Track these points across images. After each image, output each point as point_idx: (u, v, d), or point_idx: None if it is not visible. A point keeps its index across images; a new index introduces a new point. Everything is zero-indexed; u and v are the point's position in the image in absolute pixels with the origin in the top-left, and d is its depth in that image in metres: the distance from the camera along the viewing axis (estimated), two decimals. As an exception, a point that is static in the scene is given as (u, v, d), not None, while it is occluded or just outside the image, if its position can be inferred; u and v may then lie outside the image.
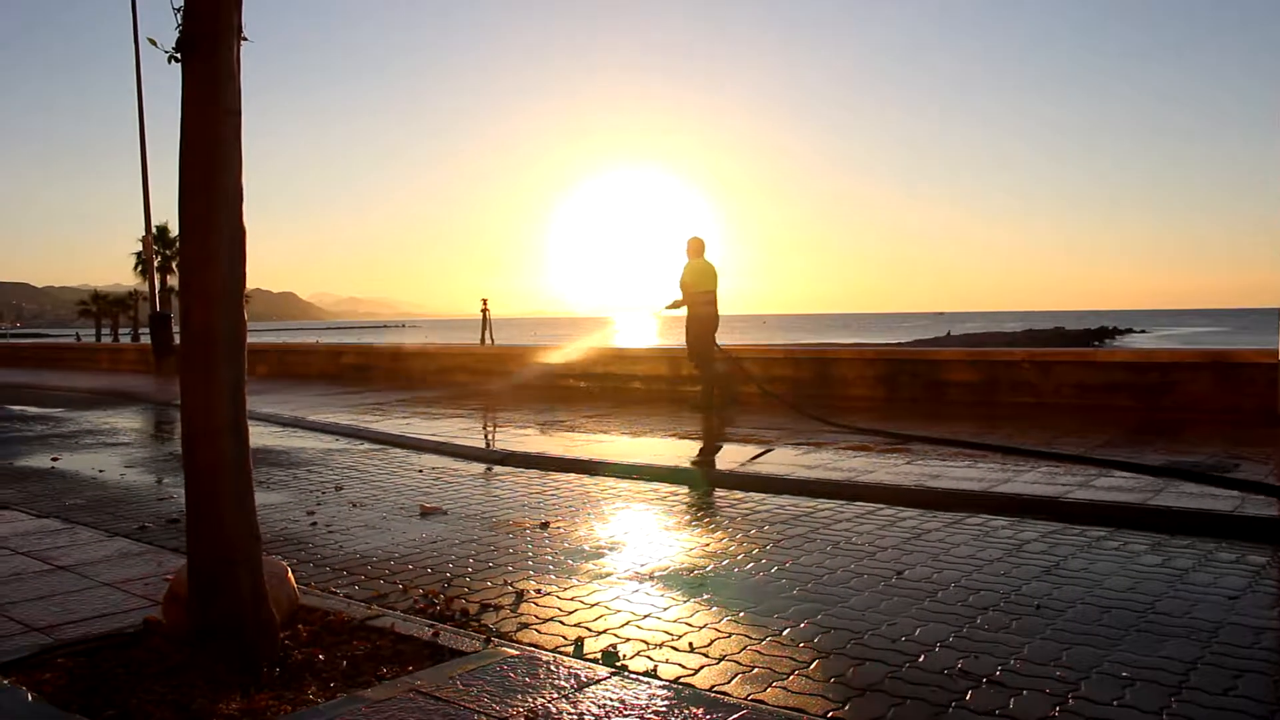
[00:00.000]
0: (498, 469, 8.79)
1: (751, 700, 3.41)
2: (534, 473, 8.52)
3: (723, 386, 13.04)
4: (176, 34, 3.77)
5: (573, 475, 8.34)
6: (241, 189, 3.78)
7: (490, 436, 10.79)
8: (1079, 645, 3.96)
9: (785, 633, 4.17)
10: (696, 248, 12.90)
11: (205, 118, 3.71)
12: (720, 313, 12.89)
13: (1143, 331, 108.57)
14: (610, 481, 7.99)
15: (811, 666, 3.78)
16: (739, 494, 7.27)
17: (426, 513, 6.81)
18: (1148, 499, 6.37)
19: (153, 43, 3.87)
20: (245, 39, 3.87)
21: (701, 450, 9.20)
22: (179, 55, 3.76)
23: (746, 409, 12.56)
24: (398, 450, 10.09)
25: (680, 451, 9.10)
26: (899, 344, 38.26)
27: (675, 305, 12.97)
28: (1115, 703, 3.38)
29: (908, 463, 8.02)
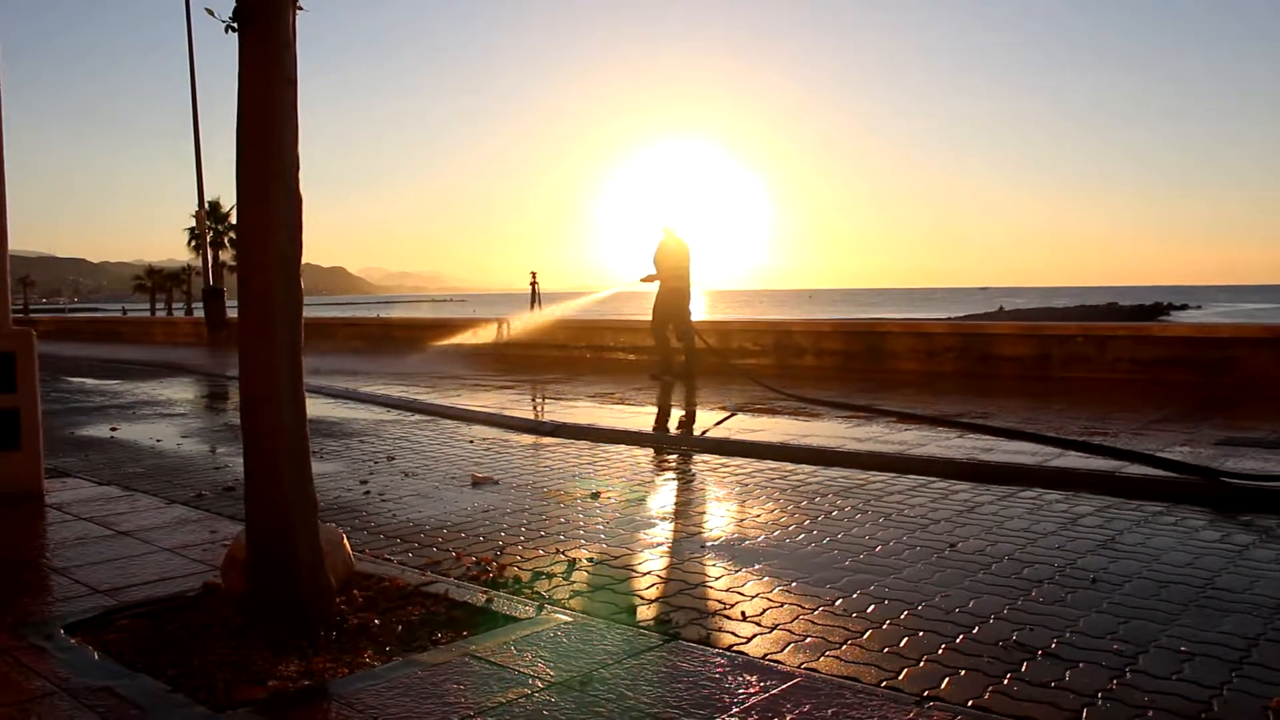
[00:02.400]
0: (548, 440, 8.83)
1: (805, 669, 3.41)
2: (584, 444, 8.55)
3: (669, 359, 13.44)
4: (233, 3, 3.79)
5: (622, 446, 8.36)
6: (298, 158, 3.80)
7: (540, 408, 10.85)
8: (1136, 619, 3.91)
9: (838, 603, 4.16)
10: (669, 229, 13.40)
11: (262, 87, 3.73)
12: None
13: (1198, 307, 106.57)
14: (661, 452, 8.00)
15: (865, 636, 3.77)
16: (790, 466, 7.25)
17: (478, 482, 6.86)
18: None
19: (210, 13, 3.90)
20: (300, 8, 3.89)
21: (751, 423, 9.18)
22: (236, 25, 3.78)
23: (804, 381, 12.52)
24: (448, 421, 10.16)
25: (730, 424, 9.10)
26: (950, 318, 37.96)
27: (649, 279, 13.48)
28: (1174, 677, 3.34)
29: (960, 436, 7.96)
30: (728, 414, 9.78)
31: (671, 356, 13.50)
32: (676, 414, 10.00)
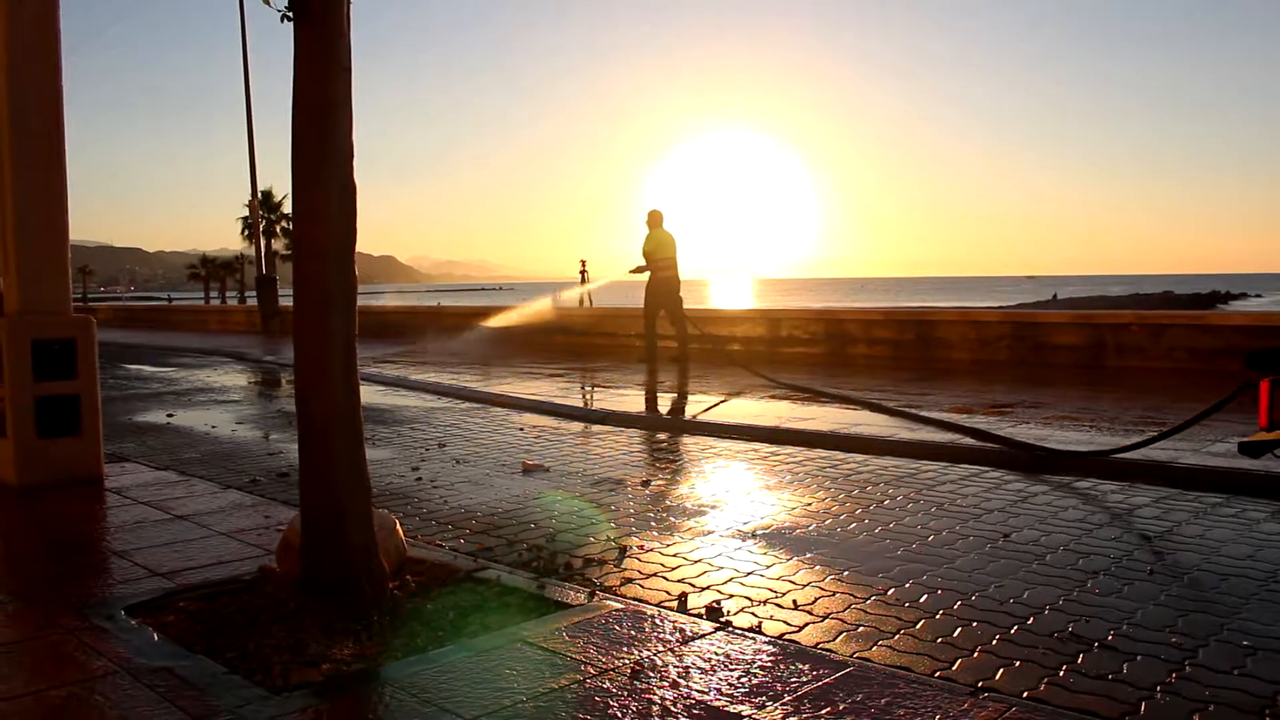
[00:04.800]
0: (597, 428, 8.84)
1: (858, 658, 3.39)
2: (633, 432, 8.56)
3: (653, 346, 14.23)
4: (289, -7, 3.82)
5: (672, 434, 8.35)
6: (352, 146, 3.83)
7: (589, 396, 10.87)
8: (1196, 612, 3.85)
9: (890, 592, 4.13)
10: (656, 219, 14.15)
11: (317, 76, 3.76)
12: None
13: (1258, 295, 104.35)
14: (710, 440, 7.98)
15: (918, 626, 3.74)
16: (840, 455, 7.21)
17: (528, 470, 6.89)
18: (1268, 466, 6.15)
19: (266, 2, 3.93)
20: (355, -3, 3.91)
21: (801, 411, 9.13)
22: (291, 14, 3.81)
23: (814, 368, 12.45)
24: (498, 409, 10.21)
25: (779, 412, 9.05)
26: (1002, 307, 37.53)
27: (639, 270, 14.30)
28: (1236, 671, 3.28)
29: (1013, 426, 7.86)
30: (778, 402, 9.74)
31: (656, 344, 14.25)
32: (726, 402, 9.97)
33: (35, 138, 6.25)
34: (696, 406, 9.67)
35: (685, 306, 14.32)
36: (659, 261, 13.98)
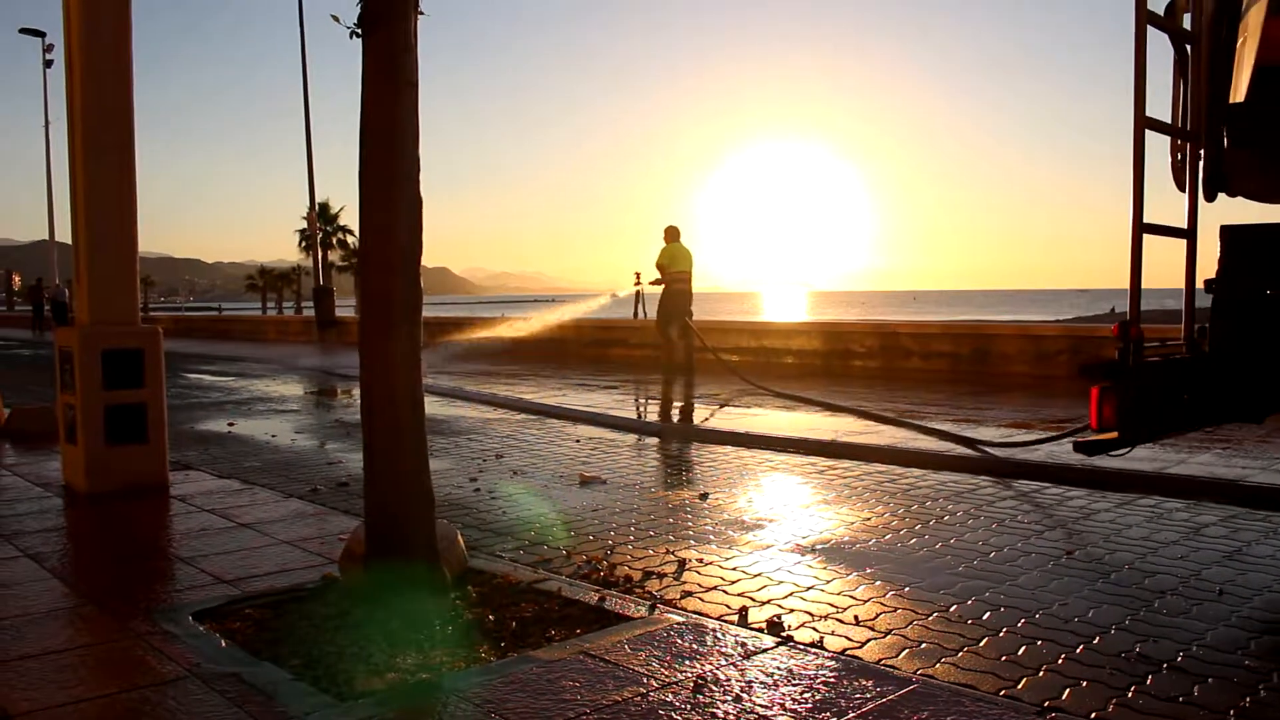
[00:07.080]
0: (653, 440, 8.85)
1: (921, 675, 3.36)
2: (690, 444, 8.56)
3: (672, 356, 14.87)
4: (357, 9, 3.89)
5: (729, 447, 8.34)
6: (419, 160, 3.88)
7: (644, 408, 10.88)
8: (1268, 634, 3.77)
9: (953, 609, 4.09)
10: (672, 234, 14.81)
11: (385, 91, 3.82)
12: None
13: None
14: (767, 454, 7.96)
15: (982, 644, 3.70)
16: (898, 469, 7.16)
17: (586, 481, 6.91)
18: (1339, 484, 6.02)
19: (335, 19, 4.01)
20: (421, 13, 3.97)
21: (857, 425, 9.08)
22: (360, 30, 3.88)
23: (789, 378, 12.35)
24: (554, 421, 10.25)
25: (836, 426, 9.00)
26: (1059, 320, 37.14)
27: (655, 283, 14.99)
28: (1311, 694, 3.22)
29: (1071, 440, 7.75)
30: (833, 417, 9.69)
31: (675, 354, 14.83)
32: (780, 415, 9.93)
33: (107, 155, 6.39)
34: (752, 420, 9.64)
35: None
36: (675, 274, 14.64)
